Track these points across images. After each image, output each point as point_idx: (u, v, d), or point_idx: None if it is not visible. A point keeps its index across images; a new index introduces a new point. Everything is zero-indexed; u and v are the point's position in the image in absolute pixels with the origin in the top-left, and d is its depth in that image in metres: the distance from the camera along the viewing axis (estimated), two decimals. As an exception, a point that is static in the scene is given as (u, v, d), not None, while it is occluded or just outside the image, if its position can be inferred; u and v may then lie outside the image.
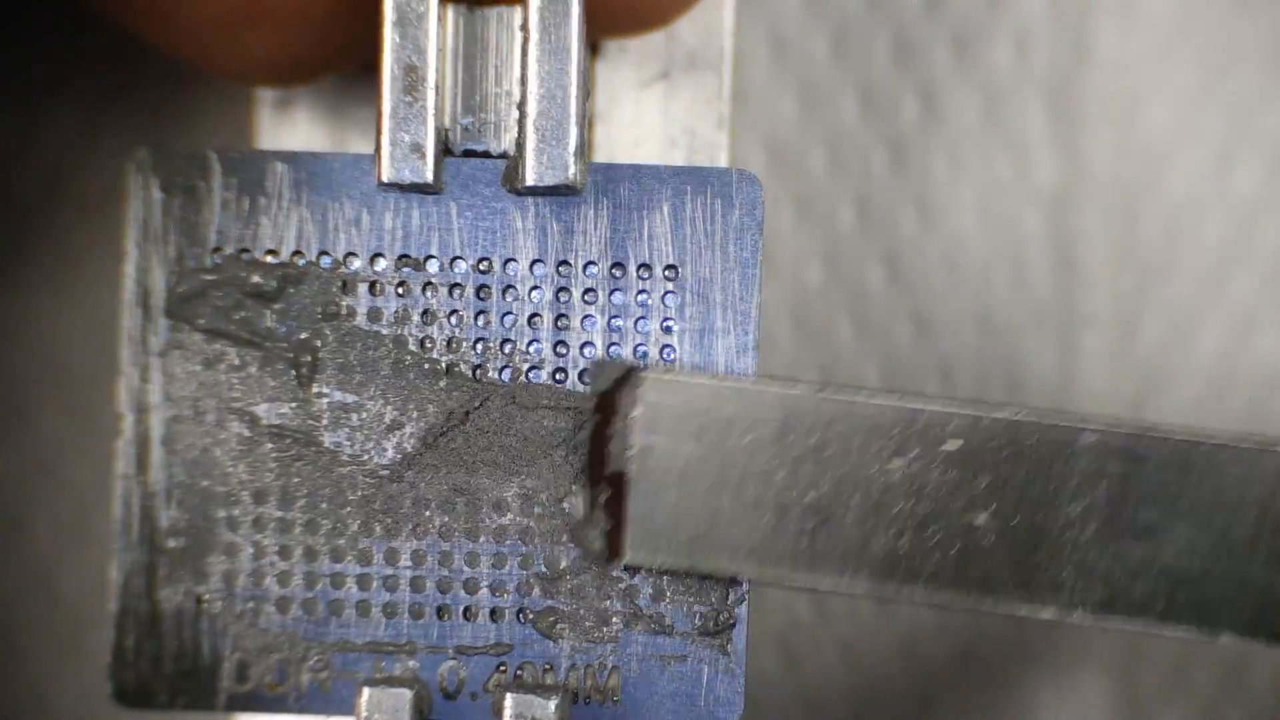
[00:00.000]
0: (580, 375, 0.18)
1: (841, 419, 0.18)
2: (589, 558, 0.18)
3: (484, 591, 0.18)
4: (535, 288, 0.18)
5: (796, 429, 0.18)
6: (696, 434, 0.18)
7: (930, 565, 0.18)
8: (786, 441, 0.18)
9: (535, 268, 0.18)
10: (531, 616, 0.18)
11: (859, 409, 0.18)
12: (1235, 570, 0.18)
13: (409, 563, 0.18)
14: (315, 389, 0.18)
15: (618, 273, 0.18)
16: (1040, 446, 0.18)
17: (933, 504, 0.18)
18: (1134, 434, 0.18)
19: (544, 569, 0.18)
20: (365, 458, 0.18)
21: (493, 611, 0.18)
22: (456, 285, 0.18)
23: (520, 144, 0.18)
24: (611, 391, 0.18)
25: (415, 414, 0.18)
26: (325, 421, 0.18)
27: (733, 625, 0.18)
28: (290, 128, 0.21)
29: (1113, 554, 0.18)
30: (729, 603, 0.18)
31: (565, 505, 0.18)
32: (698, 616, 0.18)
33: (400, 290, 0.18)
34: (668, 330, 0.18)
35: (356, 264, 0.18)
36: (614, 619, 0.18)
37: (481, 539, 0.18)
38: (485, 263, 0.18)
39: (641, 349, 0.18)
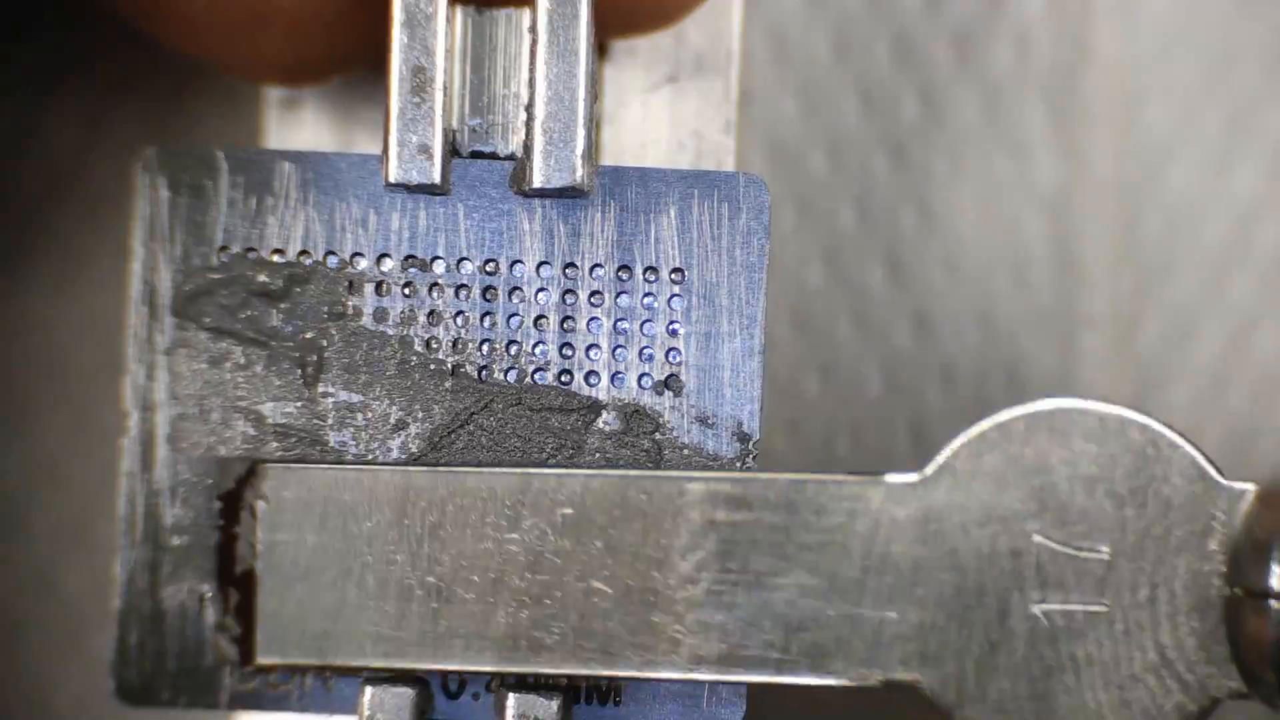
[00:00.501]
0: (586, 377, 0.18)
1: (457, 494, 0.18)
2: (223, 662, 0.18)
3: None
4: (541, 290, 0.18)
5: (414, 509, 0.18)
6: (320, 525, 0.18)
7: (552, 637, 0.18)
8: (404, 523, 0.18)
9: (541, 270, 0.18)
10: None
11: (473, 482, 0.18)
12: (845, 611, 0.18)
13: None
14: (321, 388, 0.18)
15: (624, 275, 0.18)
16: (650, 502, 0.18)
17: (551, 573, 0.18)
18: (740, 480, 0.18)
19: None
20: (370, 458, 0.18)
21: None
22: (463, 286, 0.18)
23: (528, 146, 0.18)
24: (235, 489, 0.18)
25: (420, 414, 0.18)
26: (330, 421, 0.18)
27: None
28: (297, 127, 0.21)
29: (727, 606, 0.18)
30: None
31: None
32: None
33: (406, 291, 0.18)
34: (673, 333, 0.18)
35: (363, 264, 0.18)
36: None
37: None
38: (492, 264, 0.18)
39: (647, 351, 0.18)
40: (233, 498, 0.18)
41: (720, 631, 0.18)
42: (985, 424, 0.18)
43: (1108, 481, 0.17)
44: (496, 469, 0.18)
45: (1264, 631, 0.17)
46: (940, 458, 0.18)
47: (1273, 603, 0.17)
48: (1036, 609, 0.17)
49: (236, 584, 0.18)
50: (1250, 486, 0.17)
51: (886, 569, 0.18)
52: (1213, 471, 0.17)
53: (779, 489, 0.18)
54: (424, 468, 0.18)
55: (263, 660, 0.18)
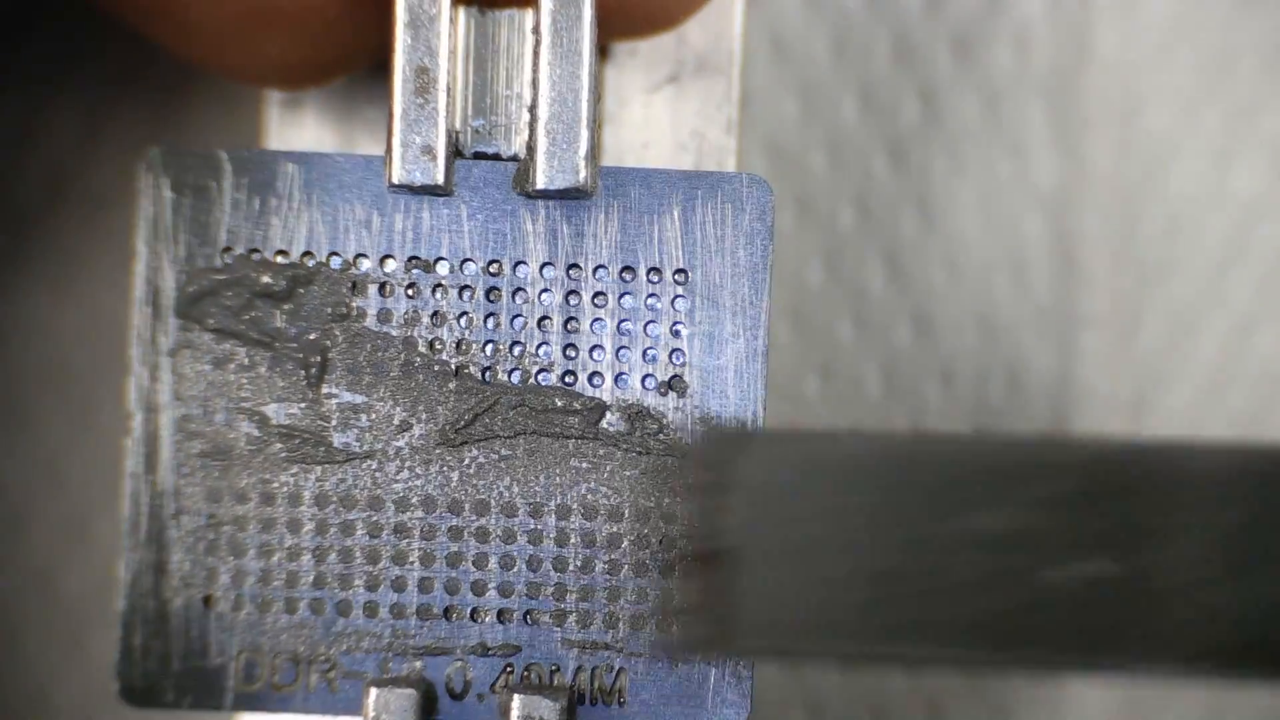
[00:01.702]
0: (589, 378, 0.18)
1: (957, 465, 0.16)
2: (693, 646, 0.18)
3: (492, 593, 0.18)
4: (545, 290, 0.18)
5: (908, 486, 0.16)
6: (810, 501, 0.16)
7: (1046, 625, 0.16)
8: (897, 502, 0.16)
9: (545, 271, 0.18)
10: (539, 618, 0.18)
11: (967, 453, 0.16)
12: None
13: (417, 564, 0.18)
14: (325, 390, 0.18)
15: (628, 276, 0.18)
16: (1154, 477, 0.16)
17: (1047, 554, 0.16)
18: (1262, 453, 0.16)
19: (551, 571, 0.18)
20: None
21: (500, 613, 0.18)
22: (466, 287, 0.18)
23: (531, 147, 0.18)
24: (724, 462, 0.17)
25: (424, 415, 0.18)
26: (334, 422, 0.18)
27: None
28: (299, 129, 0.21)
29: (1245, 592, 0.16)
30: None
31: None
32: None
33: (410, 292, 0.18)
34: (677, 334, 0.18)
35: (366, 265, 0.18)
36: (622, 621, 0.18)
37: (490, 541, 0.18)
38: (495, 265, 0.18)
39: (651, 352, 0.18)
40: (719, 469, 0.17)
41: (1236, 621, 0.16)
42: None
43: None
44: (981, 441, 0.17)
45: None
46: None
47: None
48: None
49: (714, 564, 0.17)
50: None
51: None
52: None
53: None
54: (916, 438, 0.17)
55: (743, 643, 0.17)
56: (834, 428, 0.17)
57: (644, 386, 0.18)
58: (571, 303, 0.18)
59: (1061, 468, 0.16)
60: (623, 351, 0.18)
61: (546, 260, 0.18)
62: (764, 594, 0.16)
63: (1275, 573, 0.16)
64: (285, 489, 0.18)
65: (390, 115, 0.18)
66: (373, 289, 0.18)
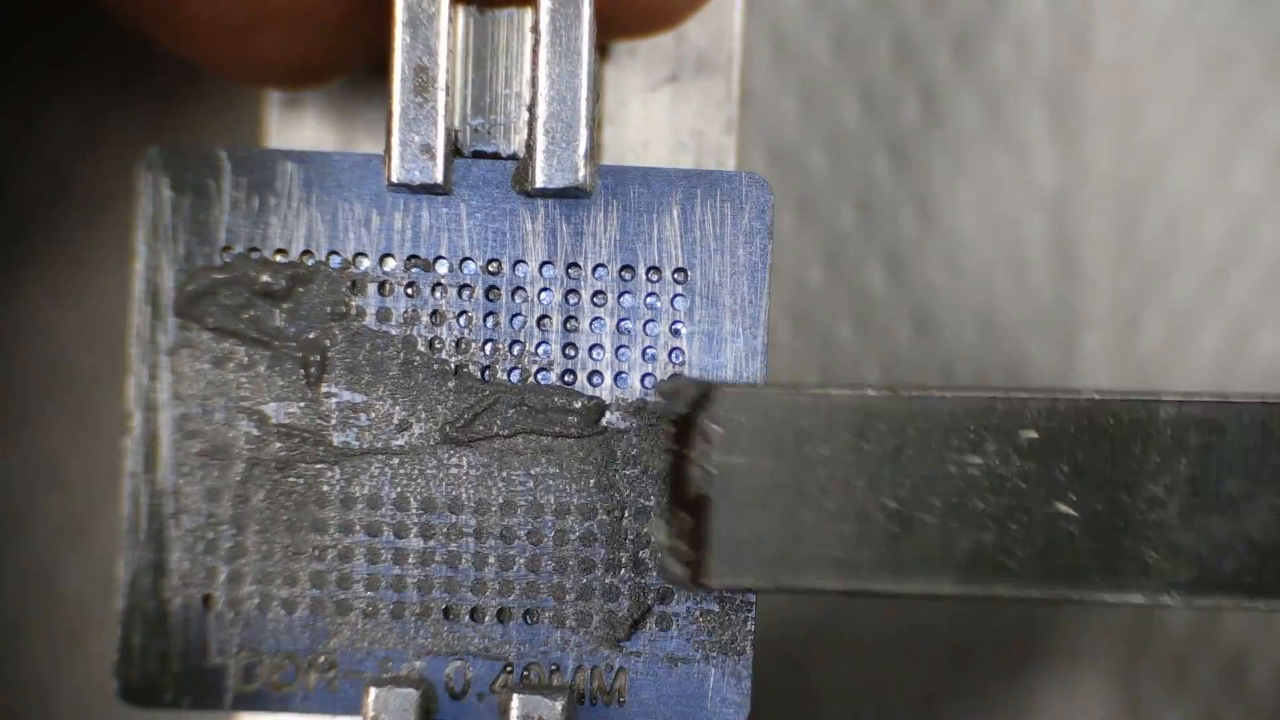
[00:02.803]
0: (589, 377, 0.18)
1: (918, 417, 0.17)
2: (672, 582, 0.18)
3: (491, 593, 0.18)
4: (544, 289, 0.18)
5: (873, 433, 0.17)
6: (775, 449, 0.17)
7: (1015, 560, 0.17)
8: (864, 448, 0.17)
9: (544, 270, 0.18)
10: (539, 618, 0.18)
11: (934, 405, 0.17)
12: None
13: (416, 563, 0.18)
14: (324, 389, 0.18)
15: (627, 275, 0.18)
16: (1118, 426, 0.17)
17: (1014, 497, 0.17)
18: (1212, 403, 0.17)
19: (553, 572, 0.18)
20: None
21: (500, 612, 0.18)
22: (465, 286, 0.18)
23: (530, 146, 0.18)
24: (690, 413, 0.18)
25: (424, 414, 0.18)
26: (334, 421, 0.18)
27: (741, 628, 0.18)
28: (298, 128, 0.21)
29: (1198, 530, 0.17)
30: (737, 606, 0.18)
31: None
32: (706, 618, 0.18)
33: (409, 291, 0.18)
34: (676, 333, 0.18)
35: (366, 264, 0.18)
36: (621, 620, 0.18)
37: (488, 540, 0.18)
38: (494, 264, 0.18)
39: (650, 351, 0.18)
40: (685, 422, 0.18)
41: (1192, 556, 0.17)
42: None
43: None
44: (958, 390, 0.17)
45: None
46: None
47: None
48: None
49: (688, 507, 0.18)
50: None
51: None
52: None
53: (1252, 413, 0.17)
54: (884, 391, 0.17)
55: (716, 581, 0.17)
56: (799, 381, 0.18)
57: (643, 385, 0.18)
58: (571, 301, 0.18)
59: (1031, 417, 0.17)
60: (622, 350, 0.18)
61: (546, 259, 0.18)
62: (733, 534, 0.17)
63: (1225, 512, 0.17)
64: (285, 488, 0.18)
65: (389, 114, 0.18)
66: (372, 288, 0.18)
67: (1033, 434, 0.17)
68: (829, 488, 0.17)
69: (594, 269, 0.18)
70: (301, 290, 0.18)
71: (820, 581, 0.17)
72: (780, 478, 0.17)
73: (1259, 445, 0.17)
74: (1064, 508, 0.17)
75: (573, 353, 0.18)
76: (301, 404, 0.18)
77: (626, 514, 0.18)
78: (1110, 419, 0.17)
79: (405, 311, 0.18)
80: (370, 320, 0.18)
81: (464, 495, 0.18)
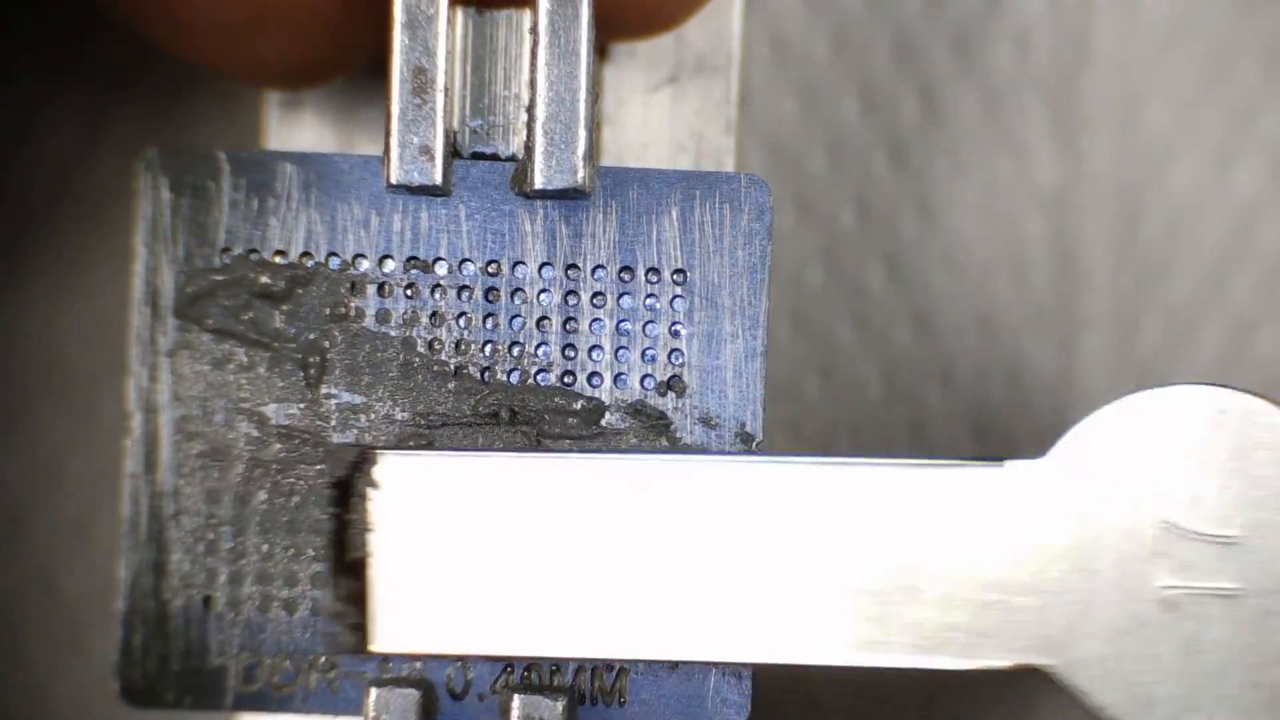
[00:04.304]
0: (588, 379, 0.18)
1: (571, 482, 0.18)
2: (338, 650, 0.18)
3: None
4: (543, 291, 0.18)
5: (529, 497, 0.18)
6: (435, 513, 0.18)
7: (648, 626, 0.18)
8: (522, 512, 0.18)
9: (544, 271, 0.18)
10: None
11: (590, 469, 0.18)
12: (982, 598, 0.18)
13: None
14: (324, 390, 0.18)
15: (626, 276, 0.18)
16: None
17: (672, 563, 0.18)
18: (858, 466, 0.18)
19: None
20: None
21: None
22: (465, 287, 0.18)
23: (529, 147, 0.18)
24: (349, 475, 0.18)
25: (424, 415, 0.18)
26: (334, 423, 0.18)
27: None
28: (297, 129, 0.21)
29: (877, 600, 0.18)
30: None
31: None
32: None
33: (409, 292, 0.18)
34: (675, 335, 0.18)
35: (365, 265, 0.18)
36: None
37: None
38: (494, 265, 0.18)
39: (650, 352, 0.18)
40: (344, 484, 0.18)
41: (868, 622, 0.18)
42: (1108, 409, 0.18)
43: (1236, 466, 0.17)
44: (614, 454, 0.18)
45: None
46: (1062, 443, 0.18)
47: None
48: (1166, 593, 0.17)
49: (349, 571, 0.18)
50: None
51: (1014, 555, 0.17)
52: None
53: (895, 476, 0.18)
54: (536, 454, 0.18)
55: (378, 649, 0.18)
56: (466, 449, 0.18)
57: (643, 387, 0.18)
58: (570, 303, 0.18)
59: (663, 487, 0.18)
60: (621, 352, 0.18)
61: (545, 260, 0.18)
62: (397, 599, 0.18)
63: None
64: (285, 489, 0.18)
65: (388, 116, 0.18)
66: (371, 289, 0.18)
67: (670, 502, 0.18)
68: (490, 551, 0.18)
69: (593, 270, 0.18)
70: (301, 292, 0.18)
71: (484, 648, 0.18)
72: (442, 542, 0.18)
73: (908, 510, 0.18)
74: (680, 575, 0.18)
75: (572, 354, 0.18)
76: (301, 405, 0.18)
77: None
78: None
79: (405, 313, 0.18)
80: (370, 322, 0.18)
81: None
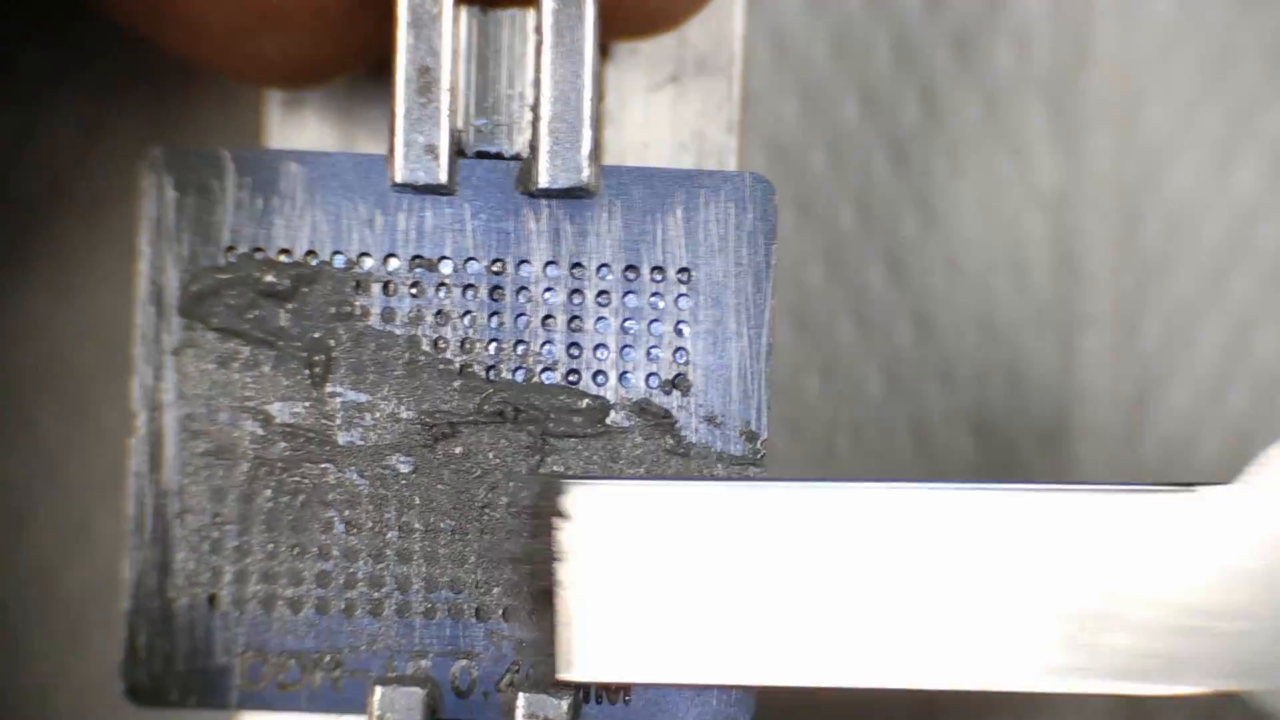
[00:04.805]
0: (593, 377, 0.18)
1: (765, 514, 0.18)
2: (537, 677, 0.18)
3: (498, 591, 0.18)
4: (549, 289, 0.18)
5: (723, 527, 0.18)
6: (624, 542, 0.18)
7: (862, 657, 0.18)
8: (715, 542, 0.18)
9: (549, 269, 0.18)
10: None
11: (787, 497, 0.18)
12: (1181, 623, 0.18)
13: (421, 562, 0.18)
14: (328, 388, 0.18)
15: (631, 275, 0.18)
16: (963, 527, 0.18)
17: (874, 595, 0.18)
18: (1060, 494, 0.18)
19: None
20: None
21: (505, 612, 0.18)
22: (470, 286, 0.18)
23: (534, 146, 0.18)
24: (544, 504, 0.18)
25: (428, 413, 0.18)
26: (339, 421, 0.18)
27: None
28: (300, 128, 0.21)
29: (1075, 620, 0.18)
30: None
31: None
32: None
33: (414, 291, 0.18)
34: (680, 333, 0.18)
35: (370, 264, 0.18)
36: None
37: (489, 538, 0.18)
38: (499, 264, 0.18)
39: (655, 351, 0.18)
40: (541, 511, 0.18)
41: (1069, 648, 0.18)
42: None
43: None
44: (826, 483, 0.18)
45: None
46: (1254, 467, 0.18)
47: None
48: None
49: (546, 597, 0.18)
50: None
51: (1210, 581, 0.17)
52: None
53: (1090, 503, 0.18)
54: (732, 482, 0.18)
55: (568, 675, 0.18)
56: (666, 475, 0.18)
57: (648, 385, 0.18)
58: (575, 301, 0.18)
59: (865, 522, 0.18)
60: (626, 350, 0.18)
61: (550, 259, 0.18)
62: (586, 626, 0.18)
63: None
64: (290, 487, 0.18)
65: (393, 115, 0.18)
66: (376, 288, 0.18)
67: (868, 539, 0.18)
68: (680, 581, 0.18)
69: (598, 269, 0.18)
70: (306, 290, 0.18)
71: (673, 676, 0.18)
72: (631, 571, 0.18)
73: (1107, 538, 0.18)
74: (934, 603, 0.18)
75: (577, 352, 0.18)
76: (306, 404, 0.18)
77: None
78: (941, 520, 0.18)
79: (410, 311, 0.18)
80: (375, 320, 0.18)
81: (469, 495, 0.18)
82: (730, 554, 0.18)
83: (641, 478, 0.18)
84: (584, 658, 0.18)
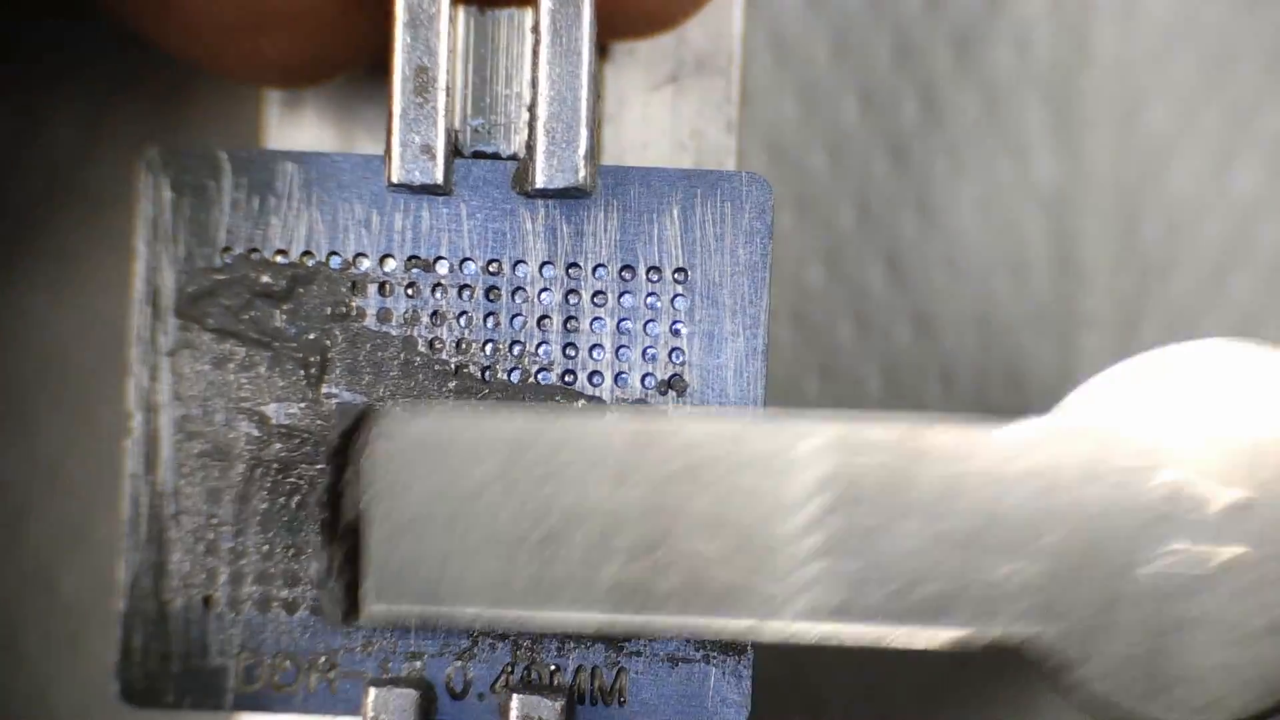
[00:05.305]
0: (589, 377, 0.18)
1: (569, 443, 0.17)
2: (330, 620, 0.18)
3: None
4: (544, 290, 0.18)
5: (522, 459, 0.17)
6: (431, 472, 0.17)
7: (661, 591, 0.17)
8: (513, 474, 0.17)
9: (545, 270, 0.18)
10: None
11: (582, 430, 0.17)
12: (963, 562, 0.17)
13: None
14: (324, 389, 0.18)
15: (627, 275, 0.18)
16: (761, 452, 0.17)
17: (659, 526, 0.17)
18: (853, 424, 0.17)
19: None
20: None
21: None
22: (466, 287, 0.18)
23: (530, 146, 0.18)
24: (347, 435, 0.18)
25: None
26: (335, 422, 0.18)
27: None
28: (298, 128, 0.21)
29: (842, 557, 0.17)
30: None
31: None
32: None
33: (410, 291, 0.18)
34: (676, 333, 0.18)
35: (366, 265, 0.18)
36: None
37: None
38: (495, 264, 0.18)
39: (651, 351, 0.18)
40: (344, 444, 0.18)
41: (834, 583, 0.17)
42: (1107, 373, 0.17)
43: (1248, 423, 0.17)
44: (603, 412, 0.18)
45: None
46: (1061, 406, 0.18)
47: None
48: (1170, 557, 0.17)
49: (343, 536, 0.18)
50: None
51: (1004, 519, 0.17)
52: None
53: (897, 434, 0.17)
54: (531, 410, 0.18)
55: (372, 608, 0.18)
56: (457, 404, 0.18)
57: (644, 385, 0.18)
58: (571, 301, 0.18)
59: (664, 450, 0.17)
60: (622, 350, 0.18)
61: (546, 259, 0.18)
62: (388, 561, 0.17)
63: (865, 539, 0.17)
64: (286, 488, 0.18)
65: (389, 115, 0.18)
66: (372, 288, 0.18)
67: (676, 462, 0.17)
68: (480, 511, 0.17)
69: (594, 269, 0.18)
70: (302, 291, 0.18)
71: (473, 607, 0.17)
72: (433, 501, 0.17)
73: (904, 469, 0.17)
74: (707, 537, 0.17)
75: (573, 353, 0.18)
76: (302, 404, 0.18)
77: None
78: (753, 447, 0.17)
79: (405, 312, 0.18)
80: (370, 321, 0.18)
81: None
82: (530, 483, 0.17)
83: (450, 405, 0.18)
84: (386, 595, 0.17)
